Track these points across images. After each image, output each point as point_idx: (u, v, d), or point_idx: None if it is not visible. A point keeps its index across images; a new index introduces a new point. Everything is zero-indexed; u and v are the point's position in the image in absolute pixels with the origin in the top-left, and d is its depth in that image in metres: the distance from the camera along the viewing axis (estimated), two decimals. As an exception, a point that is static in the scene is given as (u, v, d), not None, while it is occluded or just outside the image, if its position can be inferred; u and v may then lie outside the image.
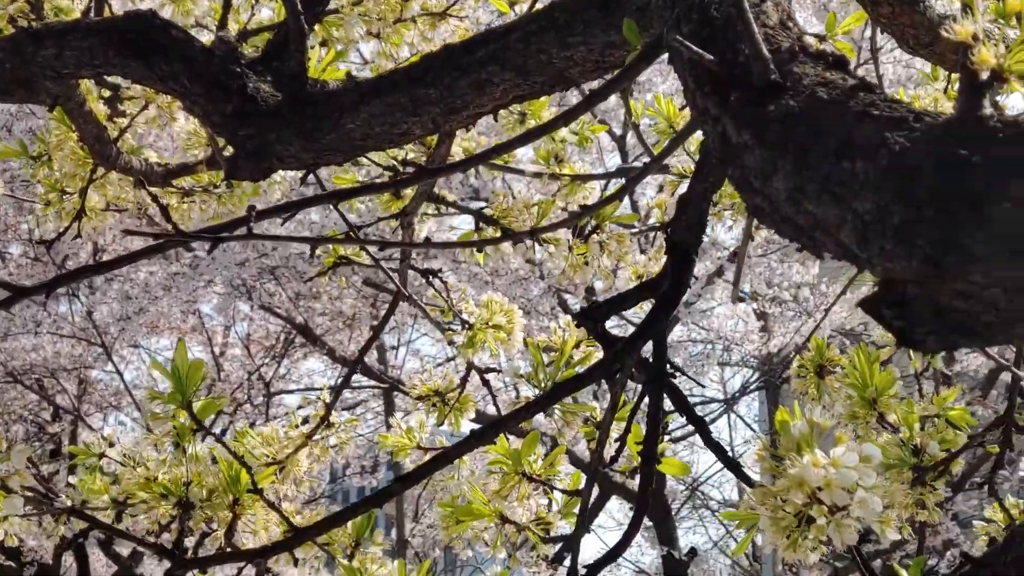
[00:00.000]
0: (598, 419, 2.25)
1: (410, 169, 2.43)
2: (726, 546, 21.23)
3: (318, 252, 2.73)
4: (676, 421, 17.29)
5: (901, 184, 0.93)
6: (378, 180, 2.53)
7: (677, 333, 12.33)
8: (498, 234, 2.43)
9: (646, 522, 14.84)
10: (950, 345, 0.95)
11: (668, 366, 1.84)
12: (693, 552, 11.64)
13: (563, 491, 2.07)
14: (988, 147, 0.89)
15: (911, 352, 2.17)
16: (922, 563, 1.54)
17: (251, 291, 10.67)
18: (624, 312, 2.50)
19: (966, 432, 2.12)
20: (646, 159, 2.28)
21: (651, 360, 1.82)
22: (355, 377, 13.54)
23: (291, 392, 12.35)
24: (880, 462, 1.30)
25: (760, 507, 1.32)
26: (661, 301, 1.76)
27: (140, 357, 12.38)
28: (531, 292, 9.83)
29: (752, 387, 13.20)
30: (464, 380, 2.62)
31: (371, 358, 12.24)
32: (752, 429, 14.93)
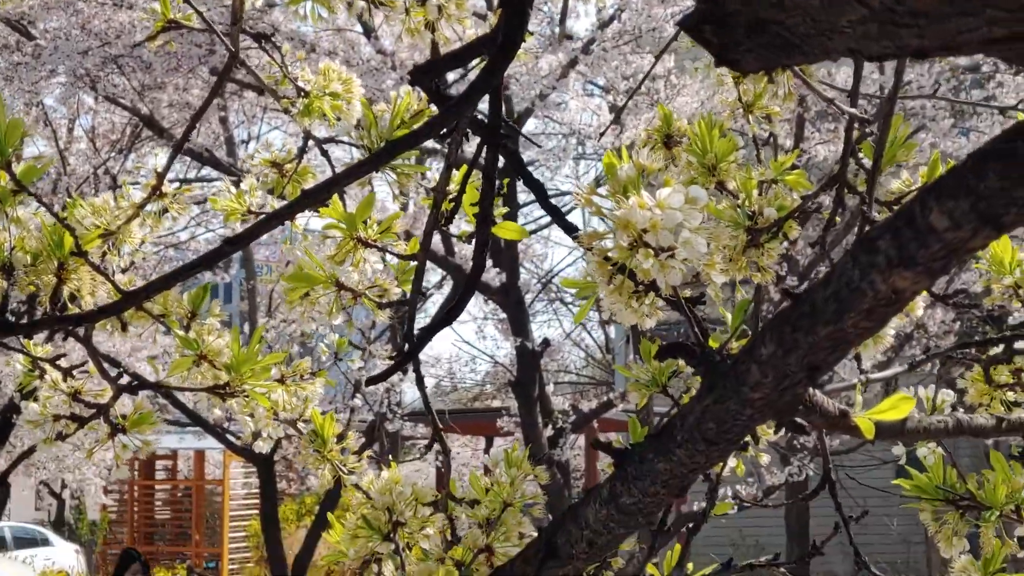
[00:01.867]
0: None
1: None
2: (579, 338, 21.64)
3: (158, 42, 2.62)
4: (531, 215, 17.36)
5: None
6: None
7: (531, 126, 12.30)
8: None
9: (501, 315, 14.99)
10: (768, 62, 0.93)
11: (503, 124, 1.81)
12: (546, 343, 11.79)
13: (400, 256, 2.05)
14: None
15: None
16: (745, 305, 1.55)
17: (95, 82, 10.36)
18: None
19: (800, 195, 2.13)
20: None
21: (486, 118, 1.79)
22: (205, 170, 13.34)
23: (138, 185, 12.12)
24: (705, 204, 1.29)
25: (586, 253, 1.31)
26: (495, 56, 1.71)
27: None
28: (384, 83, 9.68)
29: (605, 179, 13.26)
30: (301, 150, 2.56)
31: (220, 152, 12.04)
32: (605, 223, 15.06)
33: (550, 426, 11.29)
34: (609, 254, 1.29)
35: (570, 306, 19.11)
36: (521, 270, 11.81)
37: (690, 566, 2.09)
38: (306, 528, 14.36)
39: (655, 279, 1.36)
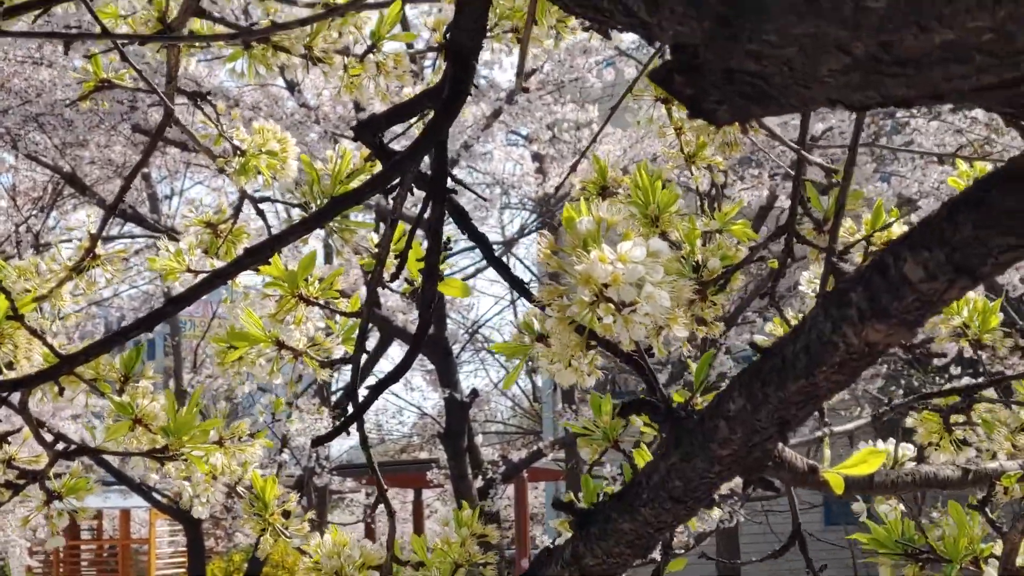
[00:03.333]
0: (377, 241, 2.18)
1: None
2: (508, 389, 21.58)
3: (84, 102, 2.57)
4: (456, 264, 17.33)
5: (693, -58, 0.87)
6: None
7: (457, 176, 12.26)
8: (268, 52, 2.31)
9: (428, 366, 14.92)
10: (743, 114, 0.90)
11: (450, 179, 1.78)
12: (475, 393, 11.73)
13: (342, 313, 2.01)
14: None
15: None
16: (709, 358, 1.53)
17: (15, 140, 10.24)
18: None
19: (747, 246, 2.12)
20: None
21: (432, 172, 1.76)
22: (128, 227, 13.19)
23: (66, 242, 11.97)
24: (668, 258, 1.27)
25: (548, 306, 1.28)
26: (441, 109, 1.69)
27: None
28: (308, 136, 9.64)
29: (530, 229, 13.28)
30: (237, 209, 2.52)
31: (144, 208, 11.93)
32: (531, 272, 15.07)
33: (480, 477, 11.23)
34: (571, 310, 1.25)
35: (497, 356, 19.08)
36: (447, 321, 11.78)
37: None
38: (234, 587, 14.16)
39: (595, 336, 1.34)
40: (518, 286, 1.88)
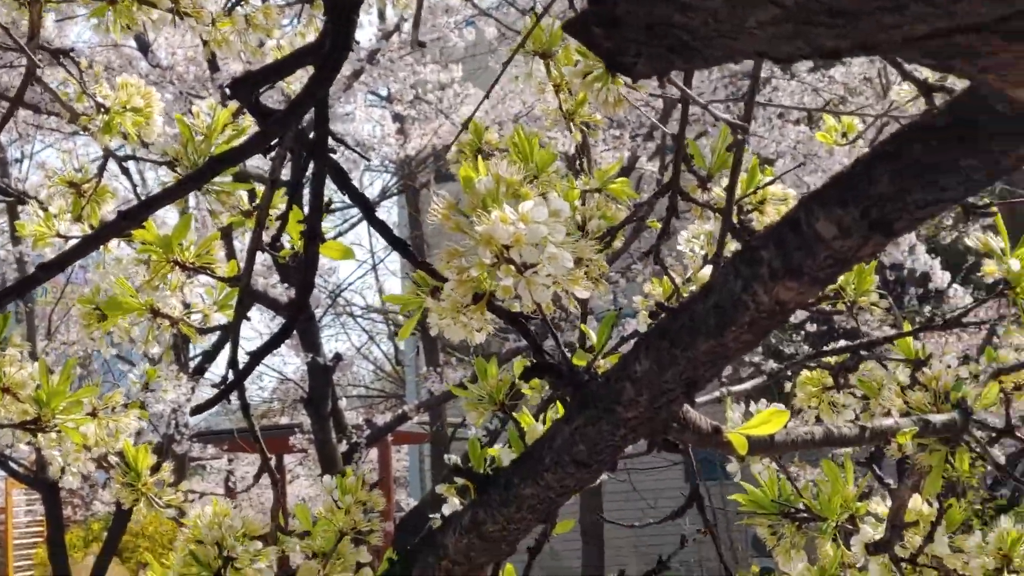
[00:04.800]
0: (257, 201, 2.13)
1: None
2: (368, 351, 21.49)
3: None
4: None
5: None
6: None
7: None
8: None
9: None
10: (663, 67, 0.87)
11: (331, 137, 1.74)
12: (338, 357, 11.63)
13: (220, 279, 1.95)
14: None
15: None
16: (612, 319, 1.50)
17: None
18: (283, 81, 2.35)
19: (628, 205, 2.10)
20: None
21: (314, 131, 1.71)
22: (-25, 192, 12.79)
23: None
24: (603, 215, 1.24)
25: (446, 269, 1.24)
26: (322, 66, 1.64)
27: None
28: (163, 97, 9.43)
29: (391, 192, 13.19)
30: (101, 169, 2.44)
31: (-7, 172, 11.60)
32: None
33: (344, 441, 11.16)
34: (470, 272, 1.22)
35: (359, 319, 18.97)
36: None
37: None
38: (94, 555, 13.91)
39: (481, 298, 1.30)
40: (400, 247, 1.84)
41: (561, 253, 1.21)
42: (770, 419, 1.30)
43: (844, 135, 2.75)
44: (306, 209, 1.74)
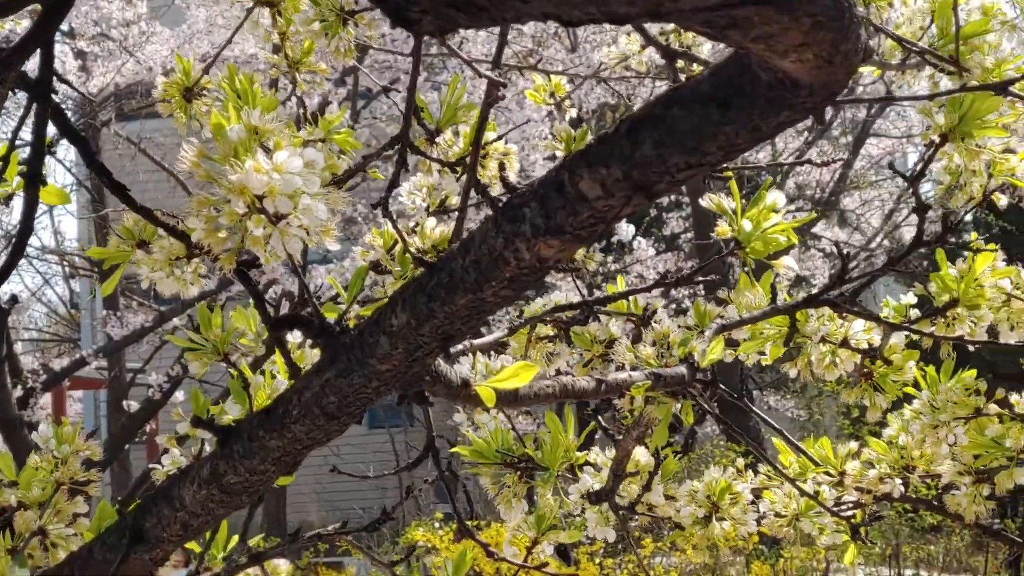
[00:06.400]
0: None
1: None
2: (43, 294, 20.77)
3: None
4: None
5: None
6: None
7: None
8: None
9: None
10: (448, 23, 0.88)
11: (56, 78, 1.67)
12: (14, 300, 11.20)
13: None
14: None
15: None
16: (363, 272, 1.50)
17: None
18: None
19: (352, 156, 2.09)
20: None
21: (39, 72, 1.64)
22: None
23: None
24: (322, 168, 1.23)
25: (196, 218, 1.21)
26: (49, 8, 1.57)
27: None
28: None
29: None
30: None
31: None
32: (74, 176, 14.46)
33: (20, 386, 10.77)
34: (221, 221, 1.20)
35: (33, 260, 18.29)
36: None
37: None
38: None
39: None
40: (119, 191, 1.79)
41: (316, 204, 1.20)
42: (519, 373, 1.32)
43: (552, 95, 2.80)
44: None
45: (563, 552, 1.83)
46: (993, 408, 2.08)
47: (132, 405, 11.89)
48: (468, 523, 1.81)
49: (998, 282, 1.97)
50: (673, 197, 14.71)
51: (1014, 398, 2.13)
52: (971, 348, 1.99)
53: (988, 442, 2.13)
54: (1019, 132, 2.04)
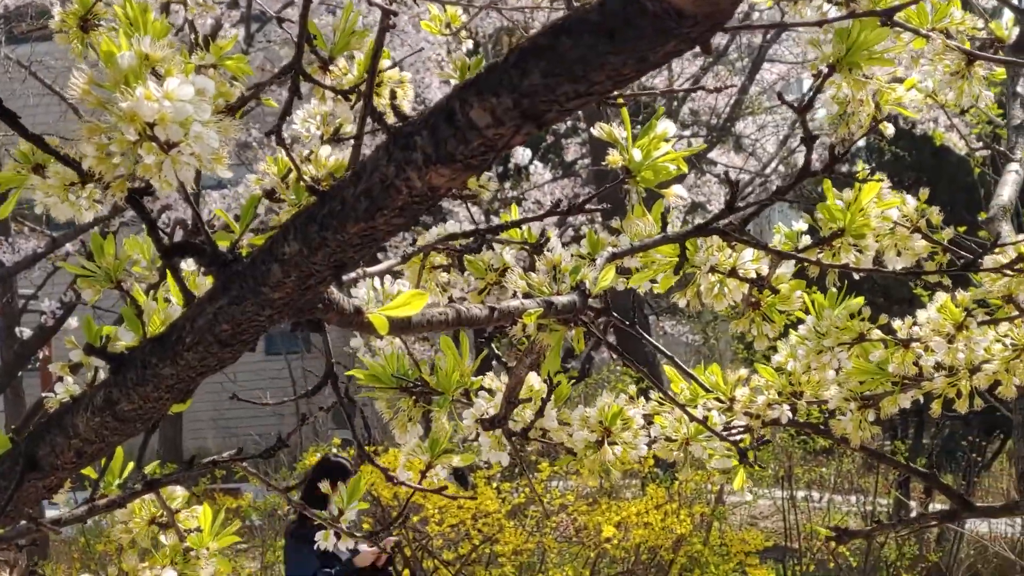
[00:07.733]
0: None
1: None
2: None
3: None
4: None
5: None
6: None
7: None
8: None
9: None
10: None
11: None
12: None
13: None
14: None
15: None
16: (256, 200, 1.50)
17: None
18: None
19: (245, 83, 2.08)
20: None
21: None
22: None
23: None
24: (213, 95, 1.23)
25: (87, 145, 1.21)
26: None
27: None
28: None
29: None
30: None
31: None
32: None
33: None
34: (112, 148, 1.19)
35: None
36: None
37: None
38: None
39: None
40: (9, 118, 1.77)
41: (207, 132, 1.20)
42: (410, 301, 1.33)
43: (448, 25, 2.80)
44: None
45: (461, 476, 1.86)
46: (876, 333, 2.13)
47: (25, 332, 11.73)
48: (366, 448, 1.83)
49: (884, 212, 2.02)
50: (570, 123, 14.77)
51: (897, 323, 2.19)
52: (856, 276, 2.03)
53: (872, 368, 2.19)
54: (905, 63, 2.08)
